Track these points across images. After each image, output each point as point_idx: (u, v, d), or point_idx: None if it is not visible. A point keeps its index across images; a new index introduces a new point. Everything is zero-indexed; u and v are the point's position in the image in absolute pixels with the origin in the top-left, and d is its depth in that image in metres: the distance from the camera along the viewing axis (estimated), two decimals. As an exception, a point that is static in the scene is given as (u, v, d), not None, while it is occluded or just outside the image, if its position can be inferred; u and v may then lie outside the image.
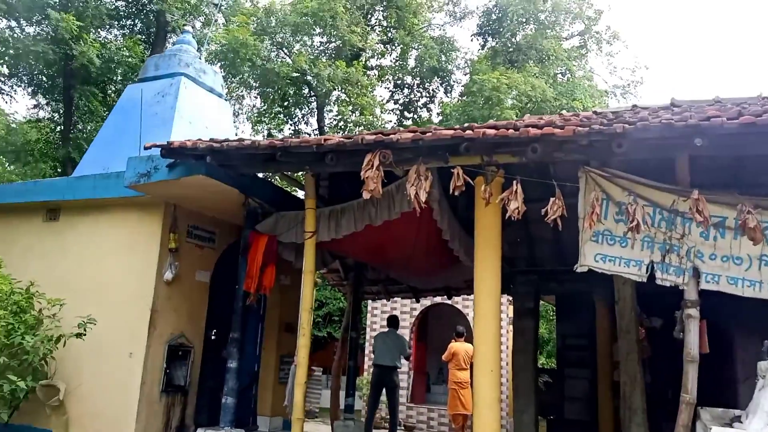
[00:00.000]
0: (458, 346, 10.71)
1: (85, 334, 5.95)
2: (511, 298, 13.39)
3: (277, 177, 10.92)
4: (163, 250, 6.51)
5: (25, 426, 6.23)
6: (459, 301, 12.93)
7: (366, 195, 4.51)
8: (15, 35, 12.60)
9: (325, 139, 4.68)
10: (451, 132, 4.33)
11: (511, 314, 13.13)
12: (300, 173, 6.80)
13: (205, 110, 8.32)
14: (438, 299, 13.04)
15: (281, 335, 8.53)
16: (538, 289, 9.16)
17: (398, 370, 9.77)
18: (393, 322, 9.99)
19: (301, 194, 7.89)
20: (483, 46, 20.07)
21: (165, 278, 6.47)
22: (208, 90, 8.68)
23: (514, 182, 4.27)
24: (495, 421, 4.51)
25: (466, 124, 4.66)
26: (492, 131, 4.24)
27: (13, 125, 15.47)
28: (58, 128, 14.18)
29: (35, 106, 14.95)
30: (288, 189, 10.01)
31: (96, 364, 6.39)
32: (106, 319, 6.46)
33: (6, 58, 12.38)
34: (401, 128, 4.59)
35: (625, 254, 4.35)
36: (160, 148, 5.45)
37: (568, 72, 18.69)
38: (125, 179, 6.07)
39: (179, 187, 6.03)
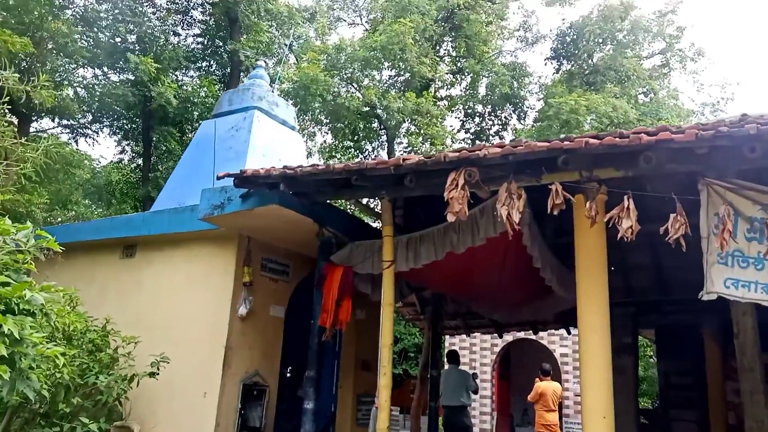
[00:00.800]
0: (545, 386, 9.93)
1: (158, 373, 5.74)
2: None
3: (350, 206, 10.67)
4: (237, 284, 6.28)
5: (100, 469, 6.05)
6: (544, 337, 12.12)
7: (451, 218, 4.07)
8: (99, 82, 13.18)
9: (403, 159, 4.30)
10: (546, 144, 3.85)
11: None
12: (371, 202, 6.45)
13: (278, 143, 8.19)
14: (521, 334, 12.28)
15: (357, 373, 8.09)
16: (636, 323, 8.35)
17: (468, 408, 9.10)
18: (453, 357, 9.39)
19: (375, 224, 7.57)
20: (558, 70, 19.44)
21: (239, 313, 6.22)
22: (281, 122, 8.58)
23: (626, 198, 3.71)
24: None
25: (562, 136, 4.15)
26: (595, 141, 3.73)
27: (98, 169, 16.14)
28: (138, 169, 14.62)
29: (118, 149, 15.59)
30: (362, 218, 9.72)
31: (170, 404, 6.17)
32: (179, 356, 6.26)
33: (91, 104, 12.91)
34: (486, 143, 4.19)
35: (761, 278, 3.68)
36: (233, 178, 5.25)
37: (650, 92, 17.72)
38: (199, 211, 5.91)
39: (253, 218, 5.81)
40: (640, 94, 17.74)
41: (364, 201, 6.43)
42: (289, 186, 4.95)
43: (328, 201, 5.98)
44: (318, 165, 4.91)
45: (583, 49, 17.53)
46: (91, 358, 5.69)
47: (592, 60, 17.73)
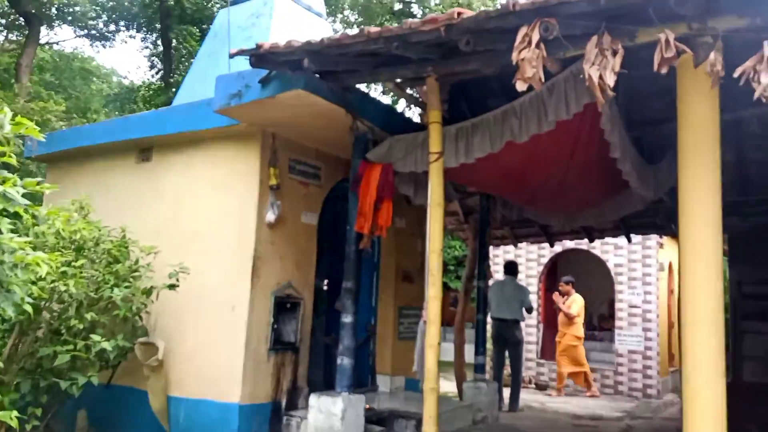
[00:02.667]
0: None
1: (177, 285, 5.17)
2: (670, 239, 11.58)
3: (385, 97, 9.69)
4: (263, 188, 5.56)
5: (126, 387, 5.64)
6: (597, 246, 11.29)
7: (521, 85, 3.20)
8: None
9: (458, 13, 3.36)
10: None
11: (663, 258, 11.36)
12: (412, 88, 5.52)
13: (303, 30, 7.21)
14: (571, 244, 11.47)
15: (398, 285, 7.48)
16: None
17: (521, 324, 8.50)
18: (511, 268, 8.69)
19: (416, 119, 6.67)
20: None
21: (267, 220, 5.55)
22: (306, 8, 7.58)
23: (766, 44, 2.75)
24: (720, 400, 3.15)
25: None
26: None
27: (118, 76, 15.38)
28: (160, 74, 13.81)
29: (138, 55, 14.74)
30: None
31: (197, 320, 5.66)
32: (205, 268, 5.69)
33: (105, 4, 11.96)
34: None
35: None
36: (249, 57, 4.39)
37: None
38: (214, 103, 5.13)
39: (276, 109, 5.00)
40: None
41: (406, 91, 5.49)
42: (314, 62, 4.08)
43: (362, 87, 5.11)
44: (348, 32, 4.01)
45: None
46: (107, 270, 5.13)
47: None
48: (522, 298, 8.37)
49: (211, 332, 5.56)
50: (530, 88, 3.36)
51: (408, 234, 7.61)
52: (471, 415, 6.99)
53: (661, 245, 10.95)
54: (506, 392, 8.29)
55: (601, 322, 13.11)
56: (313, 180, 6.17)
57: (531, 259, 12.05)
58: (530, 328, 11.73)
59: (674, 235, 8.59)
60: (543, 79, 3.21)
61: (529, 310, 8.54)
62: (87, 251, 5.03)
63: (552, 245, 9.86)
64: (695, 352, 3.23)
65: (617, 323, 11.08)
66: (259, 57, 4.28)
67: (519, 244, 11.43)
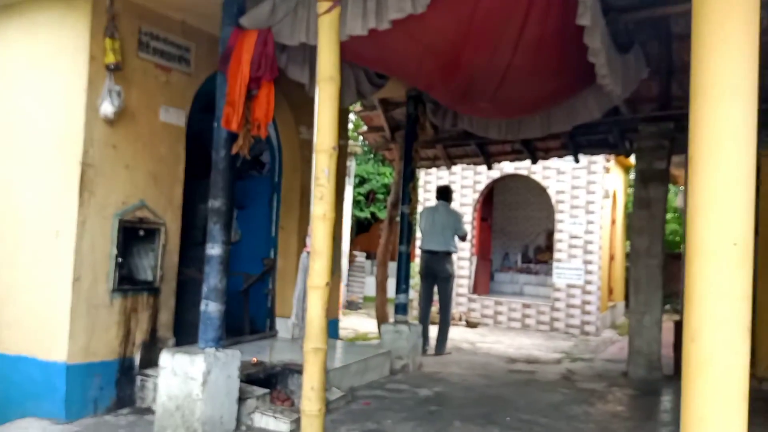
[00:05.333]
0: None
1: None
2: (622, 158, 10.58)
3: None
4: (94, 67, 3.96)
5: None
6: (537, 171, 10.21)
7: None
8: None
9: None
10: None
11: (609, 185, 10.42)
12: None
13: None
14: (510, 169, 10.34)
15: (305, 210, 6.05)
16: (674, 143, 6.34)
17: (452, 256, 7.36)
18: (444, 193, 7.45)
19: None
20: None
21: (102, 113, 3.96)
22: None
23: None
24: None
25: None
26: None
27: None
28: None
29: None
30: None
31: (11, 251, 4.13)
32: (18, 178, 4.16)
33: None
34: None
35: None
36: None
37: None
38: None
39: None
40: None
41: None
42: None
43: None
44: None
45: None
46: None
47: None
48: (456, 226, 7.18)
49: (30, 268, 4.05)
50: None
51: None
52: (389, 363, 5.85)
53: (607, 170, 9.97)
54: (435, 331, 7.21)
55: (537, 255, 12.25)
56: (177, 65, 4.57)
57: (466, 185, 10.88)
58: (463, 261, 10.70)
59: (627, 154, 7.52)
60: None
61: (463, 238, 7.37)
62: None
63: (490, 167, 8.65)
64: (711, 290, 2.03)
65: (556, 255, 10.17)
66: None
67: (453, 168, 10.22)
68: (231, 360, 3.80)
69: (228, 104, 3.61)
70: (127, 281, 4.24)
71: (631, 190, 13.56)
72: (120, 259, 4.13)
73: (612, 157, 9.98)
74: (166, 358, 3.71)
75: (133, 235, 4.28)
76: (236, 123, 3.58)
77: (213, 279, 3.76)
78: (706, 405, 2.00)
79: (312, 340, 2.76)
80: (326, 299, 2.83)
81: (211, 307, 3.75)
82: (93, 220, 3.98)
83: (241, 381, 4.17)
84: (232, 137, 3.78)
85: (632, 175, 13.72)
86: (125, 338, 4.22)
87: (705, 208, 2.15)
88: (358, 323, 10.04)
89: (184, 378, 3.62)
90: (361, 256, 14.16)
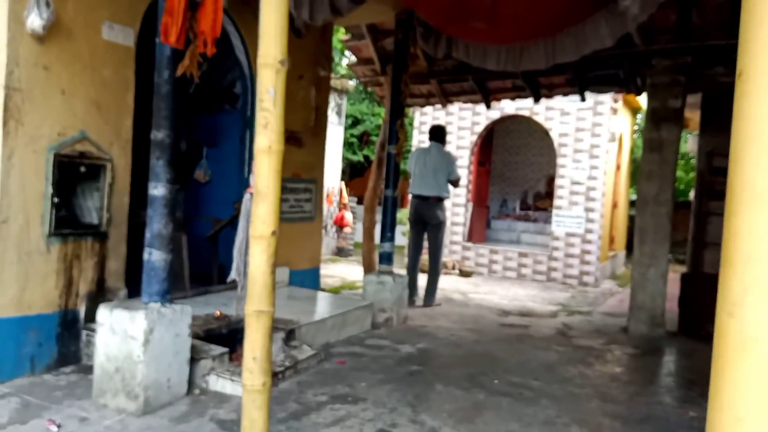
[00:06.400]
0: None
1: None
2: (630, 98, 9.89)
3: None
4: (16, -29, 3.32)
5: None
6: (540, 112, 9.56)
7: None
8: None
9: None
10: None
11: (615, 127, 9.80)
12: None
13: None
14: (510, 110, 9.69)
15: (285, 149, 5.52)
16: (690, 81, 5.72)
17: (444, 201, 6.83)
18: (438, 134, 6.84)
19: None
20: None
21: (29, 27, 3.36)
22: None
23: None
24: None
25: None
26: None
27: None
28: None
29: None
30: None
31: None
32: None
33: None
34: None
35: None
36: None
37: None
38: None
39: None
40: None
41: None
42: None
43: None
44: None
45: None
46: None
47: None
48: (449, 169, 6.62)
49: (-48, 208, 3.52)
50: None
51: (294, 78, 5.56)
52: (371, 316, 5.42)
53: (615, 111, 9.32)
54: (424, 281, 6.76)
55: (537, 202, 11.72)
56: (123, -27, 3.92)
57: (463, 127, 10.24)
58: (457, 208, 10.19)
59: (638, 92, 6.88)
60: None
61: (456, 183, 6.82)
62: None
63: (489, 106, 7.99)
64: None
65: (556, 202, 9.64)
66: None
67: (450, 108, 9.59)
68: (180, 316, 3.32)
69: (166, 13, 3.00)
70: (67, 224, 3.73)
71: (636, 135, 12.93)
72: (57, 200, 3.60)
73: (620, 98, 9.31)
74: (103, 313, 3.23)
75: (74, 172, 3.74)
76: (175, 35, 2.98)
77: (157, 224, 3.24)
78: (745, 401, 1.51)
79: (254, 301, 2.25)
80: (273, 251, 2.31)
81: (155, 256, 3.24)
82: (22, 153, 3.43)
83: (201, 338, 3.76)
84: (177, 55, 3.20)
85: (639, 119, 13.04)
86: (66, 289, 3.74)
87: (758, 138, 1.59)
88: (347, 271, 9.62)
89: (123, 337, 3.16)
90: (353, 202, 13.63)
